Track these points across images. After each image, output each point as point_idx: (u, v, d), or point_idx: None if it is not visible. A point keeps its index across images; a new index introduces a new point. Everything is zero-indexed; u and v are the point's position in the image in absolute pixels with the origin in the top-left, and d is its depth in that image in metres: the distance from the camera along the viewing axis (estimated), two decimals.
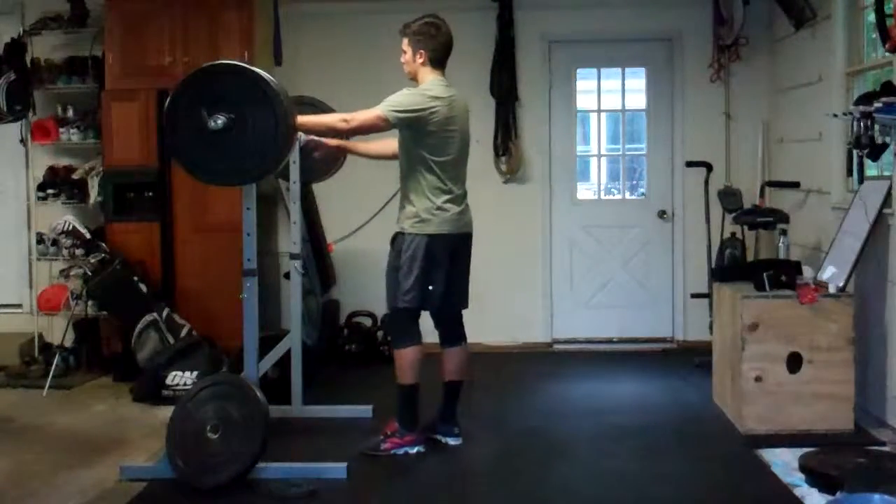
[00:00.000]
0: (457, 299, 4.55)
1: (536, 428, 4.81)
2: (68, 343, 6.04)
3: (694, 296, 6.29)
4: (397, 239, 4.41)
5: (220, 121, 3.72)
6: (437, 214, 4.32)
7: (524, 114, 6.71)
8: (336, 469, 4.03)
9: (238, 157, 3.80)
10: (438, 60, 4.34)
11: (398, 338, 4.42)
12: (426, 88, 4.27)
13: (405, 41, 4.33)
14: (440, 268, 4.34)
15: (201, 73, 3.89)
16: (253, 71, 3.84)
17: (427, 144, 4.26)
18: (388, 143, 4.56)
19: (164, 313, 5.77)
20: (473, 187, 6.68)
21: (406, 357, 4.36)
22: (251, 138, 3.76)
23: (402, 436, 4.34)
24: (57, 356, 5.81)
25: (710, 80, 6.59)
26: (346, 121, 4.13)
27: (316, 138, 4.56)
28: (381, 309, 6.67)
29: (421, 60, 4.30)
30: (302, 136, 4.71)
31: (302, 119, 4.02)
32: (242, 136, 3.76)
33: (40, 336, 6.25)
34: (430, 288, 4.32)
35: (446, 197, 4.36)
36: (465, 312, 6.65)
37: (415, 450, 4.34)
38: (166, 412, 4.22)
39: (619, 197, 7.07)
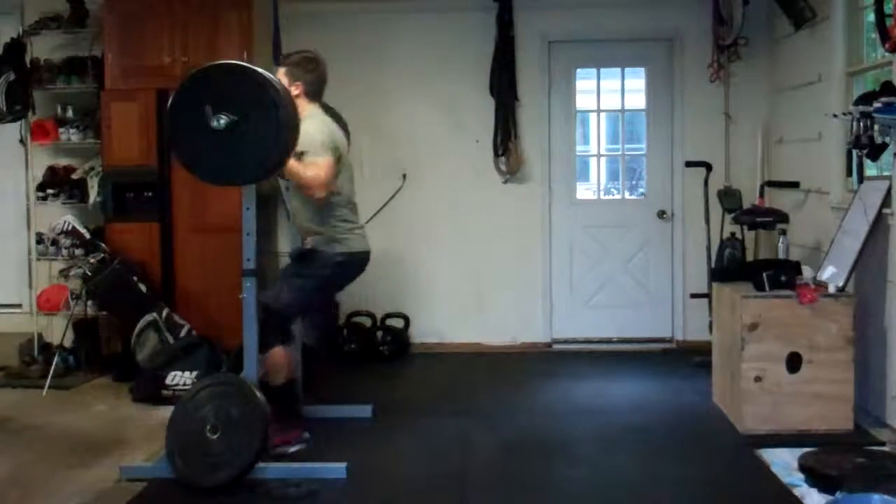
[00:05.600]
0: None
1: (536, 428, 4.80)
2: (68, 343, 6.04)
3: (694, 296, 6.29)
4: (306, 254, 4.36)
5: (223, 120, 3.72)
6: (347, 234, 4.37)
7: (524, 114, 6.70)
8: (336, 469, 4.03)
9: (239, 158, 3.80)
10: (314, 94, 4.41)
11: (270, 338, 4.29)
12: (323, 120, 4.34)
13: (281, 71, 4.38)
14: (337, 286, 4.55)
15: (207, 72, 3.89)
16: (259, 72, 3.84)
17: None
18: None
19: (164, 313, 5.77)
20: (473, 187, 6.78)
21: (277, 357, 4.34)
22: (253, 139, 3.76)
23: (286, 434, 4.34)
24: (57, 356, 5.81)
25: (710, 80, 6.58)
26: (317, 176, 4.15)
27: None
28: (380, 309, 6.70)
29: (296, 93, 4.29)
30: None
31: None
32: (244, 137, 3.75)
33: (40, 336, 6.25)
34: (312, 304, 4.45)
35: (350, 223, 4.41)
36: (465, 311, 6.75)
37: (297, 447, 4.35)
38: (166, 412, 4.22)
39: (618, 197, 7.07)
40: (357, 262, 4.47)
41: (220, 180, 4.12)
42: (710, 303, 5.65)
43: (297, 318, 4.52)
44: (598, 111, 6.94)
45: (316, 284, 4.36)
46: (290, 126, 3.84)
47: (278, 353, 4.36)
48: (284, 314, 4.36)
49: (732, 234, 6.06)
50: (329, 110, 4.80)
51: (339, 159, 4.31)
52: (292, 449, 4.33)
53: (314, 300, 4.50)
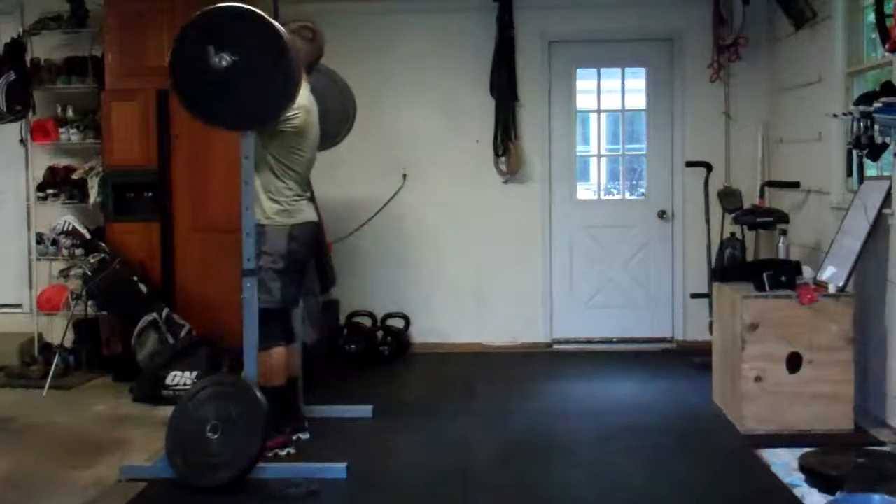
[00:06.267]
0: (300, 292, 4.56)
1: (536, 428, 4.80)
2: (68, 343, 6.04)
3: (694, 296, 6.29)
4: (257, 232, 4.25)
5: (224, 60, 3.72)
6: (294, 205, 4.33)
7: (524, 114, 6.71)
8: (336, 469, 4.03)
9: (240, 101, 3.80)
10: (308, 65, 4.35)
11: (263, 338, 4.19)
12: (303, 94, 4.22)
13: None
14: (301, 258, 4.40)
15: (213, 13, 3.84)
16: (266, 18, 3.82)
17: (274, 145, 4.23)
18: None
19: (164, 313, 5.77)
20: (473, 187, 6.78)
21: (272, 358, 4.28)
22: (256, 84, 3.76)
23: (278, 437, 4.34)
24: (57, 356, 5.81)
25: (710, 80, 6.58)
26: None
27: None
28: (380, 309, 6.70)
29: None
30: None
31: None
32: (247, 81, 3.75)
33: (40, 336, 6.25)
34: (290, 285, 4.34)
35: (295, 193, 4.35)
36: (465, 311, 6.75)
37: (285, 451, 4.34)
38: (166, 412, 4.22)
39: (618, 197, 7.07)
40: (307, 231, 4.42)
41: (220, 123, 4.08)
42: (710, 303, 5.66)
43: (296, 303, 4.48)
44: (599, 111, 6.94)
45: (285, 264, 4.27)
46: (294, 75, 3.81)
47: (279, 352, 4.33)
48: (285, 305, 4.36)
49: (732, 234, 6.06)
50: (332, 74, 4.78)
51: (302, 135, 4.29)
52: (284, 453, 4.32)
53: (294, 278, 4.38)
